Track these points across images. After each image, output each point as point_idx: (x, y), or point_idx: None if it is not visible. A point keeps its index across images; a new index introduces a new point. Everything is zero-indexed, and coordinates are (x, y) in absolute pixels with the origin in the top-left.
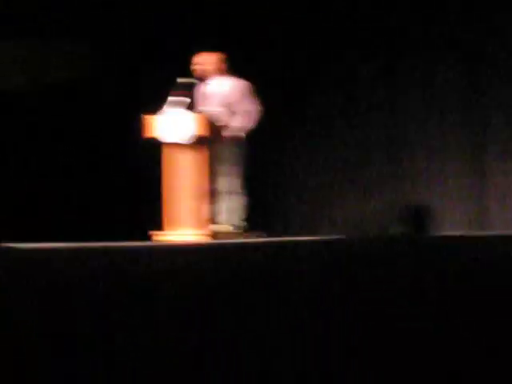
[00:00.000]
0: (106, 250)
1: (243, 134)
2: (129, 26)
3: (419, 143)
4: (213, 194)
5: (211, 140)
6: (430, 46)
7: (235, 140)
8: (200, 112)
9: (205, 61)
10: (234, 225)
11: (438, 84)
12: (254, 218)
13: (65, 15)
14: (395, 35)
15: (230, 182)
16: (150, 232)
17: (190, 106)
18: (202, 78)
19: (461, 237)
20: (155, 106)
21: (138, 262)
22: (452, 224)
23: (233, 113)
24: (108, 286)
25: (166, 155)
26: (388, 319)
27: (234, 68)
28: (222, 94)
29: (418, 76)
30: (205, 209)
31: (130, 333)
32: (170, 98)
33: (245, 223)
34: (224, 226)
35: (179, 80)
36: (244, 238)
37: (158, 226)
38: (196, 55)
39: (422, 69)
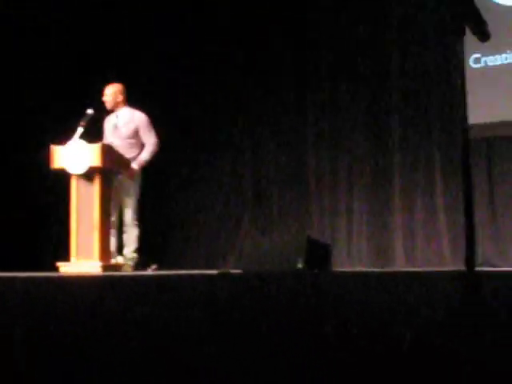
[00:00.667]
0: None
1: (142, 166)
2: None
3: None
4: (116, 226)
5: (116, 171)
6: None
7: (137, 172)
8: (106, 143)
9: (113, 92)
10: (134, 257)
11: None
12: (149, 250)
13: None
14: None
15: (131, 214)
16: (57, 263)
17: (99, 137)
18: (111, 110)
19: (361, 273)
20: (62, 137)
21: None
22: (352, 260)
23: (141, 145)
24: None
25: (74, 186)
26: (283, 353)
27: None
28: (132, 126)
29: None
30: (110, 240)
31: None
32: (78, 129)
33: (136, 255)
34: (129, 259)
35: (89, 111)
36: (140, 270)
37: (65, 257)
38: (106, 86)
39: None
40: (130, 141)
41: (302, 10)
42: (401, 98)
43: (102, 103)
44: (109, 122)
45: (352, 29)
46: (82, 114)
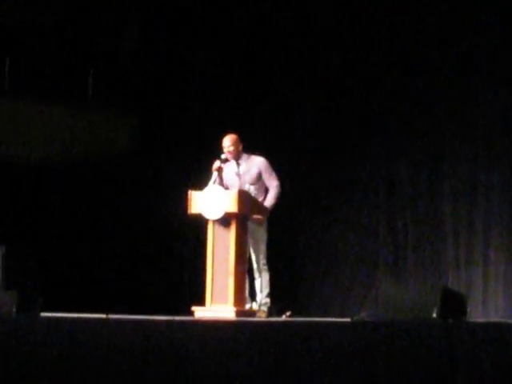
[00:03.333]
0: (147, 323)
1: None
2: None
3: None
4: (249, 271)
5: (247, 217)
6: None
7: (265, 217)
8: (238, 190)
9: (234, 141)
10: (267, 302)
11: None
12: (282, 296)
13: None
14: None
15: (261, 259)
16: (193, 308)
17: (224, 186)
18: (233, 158)
19: (497, 324)
20: (195, 182)
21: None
22: (491, 311)
23: (265, 189)
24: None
25: (211, 231)
26: None
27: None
28: (254, 171)
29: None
30: (245, 286)
31: None
32: (214, 174)
33: (269, 300)
34: (263, 305)
35: (223, 156)
36: (275, 316)
37: (200, 300)
38: (224, 137)
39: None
40: (253, 187)
41: None
42: None
43: (225, 153)
44: (229, 172)
45: None
46: (210, 159)
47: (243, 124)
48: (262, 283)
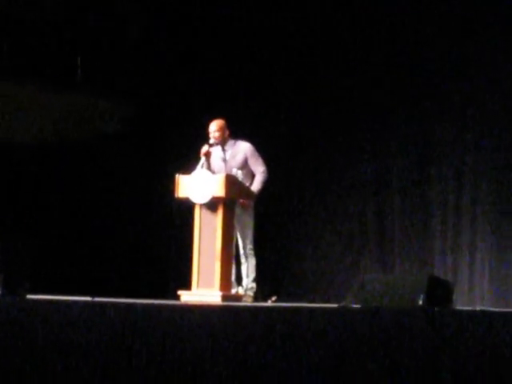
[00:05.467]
0: (129, 307)
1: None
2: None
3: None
4: (236, 256)
5: (237, 202)
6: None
7: (251, 202)
8: (225, 175)
9: (220, 127)
10: (253, 287)
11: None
12: (268, 281)
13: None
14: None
15: (248, 244)
16: (179, 292)
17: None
18: (219, 144)
19: (482, 312)
20: (182, 166)
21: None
22: (477, 299)
23: (251, 175)
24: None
25: (197, 216)
26: None
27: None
28: (240, 156)
29: (450, 150)
30: (231, 270)
31: None
32: (202, 159)
33: (255, 285)
34: (249, 290)
35: (211, 141)
36: (260, 301)
37: (186, 285)
38: (210, 122)
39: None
40: (240, 172)
41: None
42: None
43: (210, 138)
44: (215, 157)
45: None
46: (199, 144)
47: (232, 110)
48: (248, 268)
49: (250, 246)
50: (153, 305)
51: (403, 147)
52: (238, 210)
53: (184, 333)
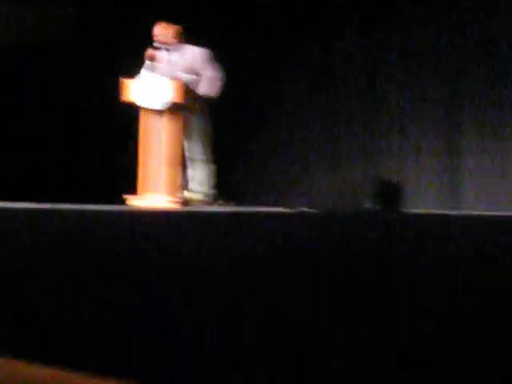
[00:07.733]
0: (78, 212)
1: (209, 101)
2: None
3: (395, 119)
4: (185, 161)
5: (184, 107)
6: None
7: (204, 107)
8: (174, 79)
9: (165, 31)
10: (205, 192)
11: (417, 61)
12: (223, 187)
13: None
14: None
15: (200, 150)
16: (124, 196)
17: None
18: (164, 47)
19: (431, 215)
20: (129, 70)
21: (105, 224)
22: (424, 202)
23: (198, 80)
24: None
25: (143, 120)
26: (356, 296)
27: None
28: (186, 61)
29: (397, 50)
30: (179, 175)
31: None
32: (146, 62)
33: (215, 191)
34: (196, 194)
35: (155, 44)
36: (217, 205)
37: (133, 190)
38: (156, 25)
39: (401, 44)
40: (187, 76)
41: None
42: None
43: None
44: (160, 61)
45: None
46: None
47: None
48: (200, 174)
49: (201, 150)
50: (100, 210)
51: (351, 44)
52: (184, 114)
53: (140, 238)
